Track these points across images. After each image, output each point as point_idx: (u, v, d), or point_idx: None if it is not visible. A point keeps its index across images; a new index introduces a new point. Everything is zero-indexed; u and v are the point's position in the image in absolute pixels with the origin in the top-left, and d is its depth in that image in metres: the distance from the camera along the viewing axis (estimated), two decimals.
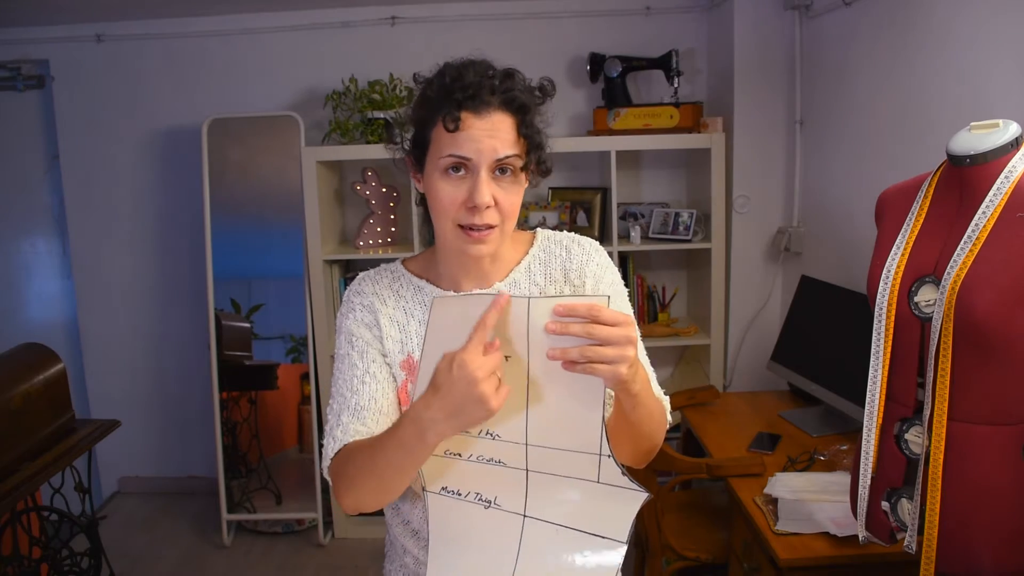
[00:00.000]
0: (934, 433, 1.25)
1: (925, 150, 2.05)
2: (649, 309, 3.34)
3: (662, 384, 1.14)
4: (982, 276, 1.19)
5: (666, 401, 1.12)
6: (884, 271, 1.34)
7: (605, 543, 0.98)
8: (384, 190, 3.22)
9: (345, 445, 1.03)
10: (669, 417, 1.12)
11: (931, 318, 1.26)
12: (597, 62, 3.17)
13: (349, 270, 3.39)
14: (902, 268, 1.32)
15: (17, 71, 3.48)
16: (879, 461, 1.38)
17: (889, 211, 1.44)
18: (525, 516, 1.00)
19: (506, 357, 0.92)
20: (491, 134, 0.99)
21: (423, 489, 1.03)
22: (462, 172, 1.00)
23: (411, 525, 1.15)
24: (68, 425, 2.45)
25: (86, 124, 3.45)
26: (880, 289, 1.34)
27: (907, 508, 1.33)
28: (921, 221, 1.35)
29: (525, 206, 2.63)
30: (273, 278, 3.30)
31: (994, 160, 1.24)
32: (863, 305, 1.74)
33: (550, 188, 3.29)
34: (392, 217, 3.24)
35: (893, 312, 1.32)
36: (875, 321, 1.35)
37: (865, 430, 1.38)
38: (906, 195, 1.41)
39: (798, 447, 2.29)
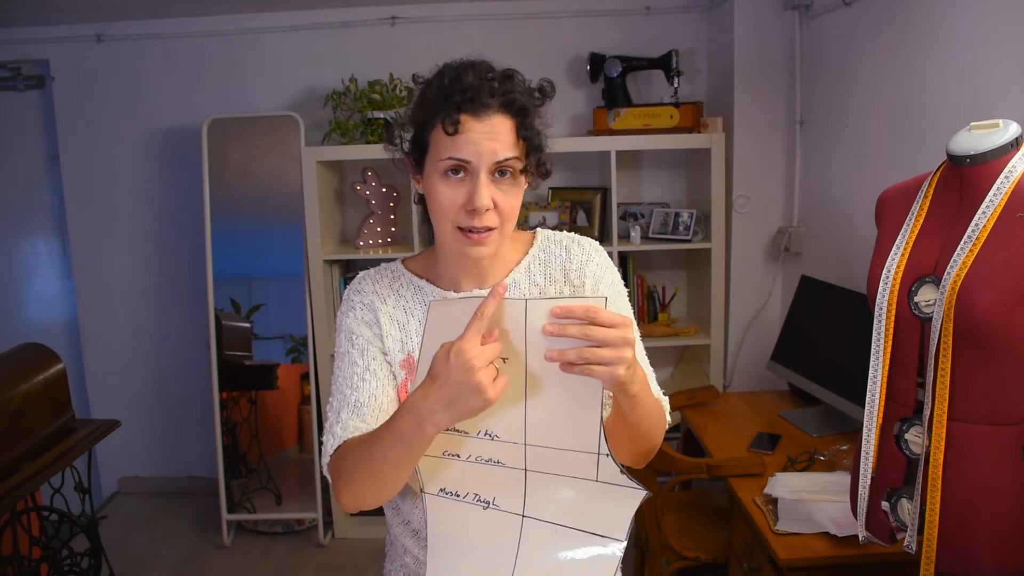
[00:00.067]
0: (934, 433, 1.25)
1: (925, 150, 2.05)
2: (649, 309, 3.34)
3: (662, 384, 1.14)
4: (982, 276, 1.19)
5: (665, 401, 1.12)
6: (884, 271, 1.34)
7: (604, 541, 0.98)
8: (384, 190, 3.22)
9: (344, 441, 1.03)
10: (668, 417, 1.12)
11: (931, 318, 1.26)
12: (597, 62, 3.17)
13: (349, 270, 3.39)
14: (902, 268, 1.32)
15: (17, 71, 3.48)
16: (879, 461, 1.38)
17: (889, 211, 1.44)
18: (524, 516, 1.00)
19: (504, 359, 0.92)
20: (490, 137, 0.98)
21: (421, 491, 1.03)
22: (461, 174, 1.00)
23: (411, 525, 1.15)
24: (68, 425, 2.45)
25: (86, 124, 3.45)
26: (880, 289, 1.34)
27: (907, 508, 1.33)
28: (921, 221, 1.35)
29: (525, 206, 2.64)
30: (273, 278, 3.30)
31: (994, 160, 1.24)
32: (863, 305, 1.74)
33: (550, 188, 3.29)
34: (392, 217, 3.24)
35: (893, 312, 1.32)
36: (875, 321, 1.35)
37: (865, 430, 1.38)
38: (906, 195, 1.41)
39: (798, 447, 2.29)
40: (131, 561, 3.12)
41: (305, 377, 3.28)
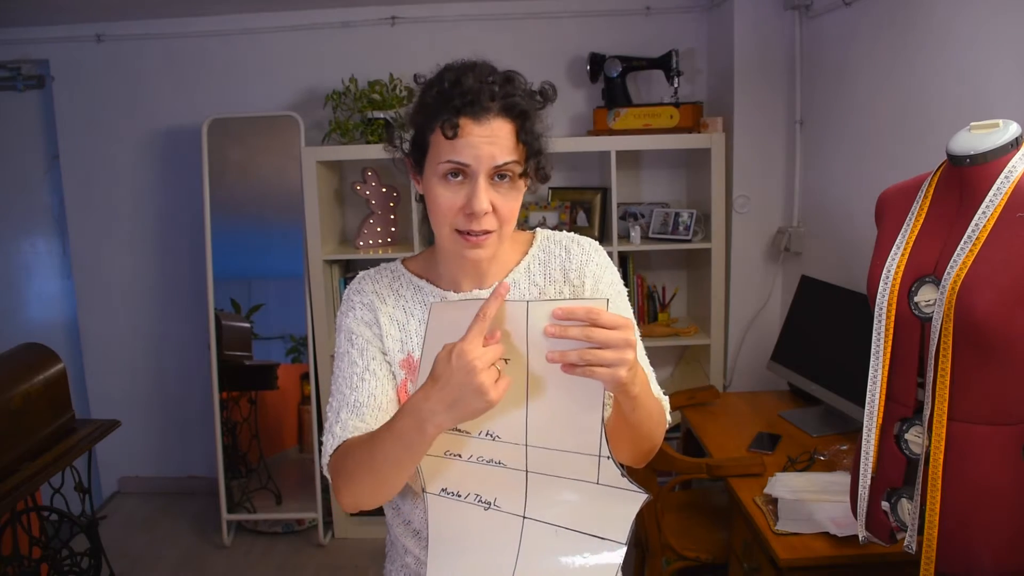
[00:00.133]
0: (934, 433, 1.25)
1: (925, 150, 2.05)
2: (649, 309, 3.34)
3: (662, 384, 1.14)
4: (982, 276, 1.19)
5: (665, 401, 1.12)
6: (884, 271, 1.34)
7: (605, 544, 0.98)
8: (384, 190, 3.22)
9: (344, 441, 1.03)
10: (668, 417, 1.12)
11: (931, 318, 1.26)
12: (597, 62, 3.17)
13: (349, 270, 3.39)
14: (902, 268, 1.32)
15: (17, 71, 3.48)
16: (879, 461, 1.38)
17: (889, 211, 1.44)
18: (525, 517, 1.00)
19: (505, 360, 0.92)
20: (490, 141, 0.98)
21: (423, 490, 1.03)
22: (460, 178, 1.00)
23: (412, 525, 1.15)
24: (68, 425, 2.45)
25: (86, 124, 3.45)
26: (880, 289, 1.34)
27: (907, 508, 1.33)
28: (921, 221, 1.35)
29: (525, 206, 2.64)
30: (273, 278, 3.30)
31: (994, 160, 1.24)
32: (863, 305, 1.74)
33: (550, 188, 3.29)
34: (392, 217, 3.24)
35: (893, 312, 1.32)
36: (875, 321, 1.35)
37: (865, 430, 1.38)
38: (906, 195, 1.41)
39: (798, 447, 2.29)
40: (131, 561, 3.12)
41: (305, 377, 3.28)
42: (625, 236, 3.21)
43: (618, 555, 0.98)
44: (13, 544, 2.22)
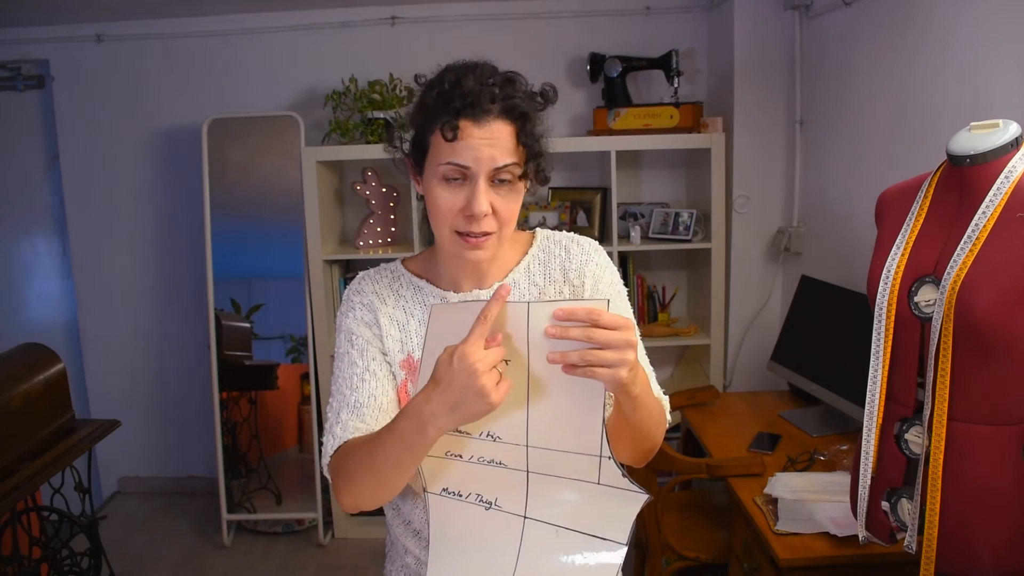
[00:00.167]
0: (934, 433, 1.25)
1: (925, 150, 2.05)
2: (649, 309, 3.34)
3: (662, 384, 1.14)
4: (982, 276, 1.19)
5: (665, 401, 1.12)
6: (884, 271, 1.34)
7: (605, 544, 0.98)
8: (384, 190, 3.22)
9: (345, 442, 1.03)
10: (668, 417, 1.12)
11: (931, 318, 1.26)
12: (597, 62, 3.17)
13: (349, 270, 3.39)
14: (902, 268, 1.32)
15: (17, 71, 3.48)
16: (879, 461, 1.38)
17: (889, 211, 1.44)
18: (525, 517, 1.00)
19: (506, 361, 0.92)
20: (490, 143, 0.98)
21: (424, 490, 1.03)
22: (460, 180, 1.00)
23: (412, 525, 1.15)
24: (68, 425, 2.45)
25: (86, 124, 3.45)
26: (880, 289, 1.34)
27: (907, 508, 1.33)
28: (921, 221, 1.35)
29: (525, 206, 2.63)
30: (273, 278, 3.30)
31: (994, 160, 1.24)
32: (863, 305, 1.74)
33: (550, 188, 3.29)
34: (392, 217, 3.24)
35: (893, 312, 1.32)
36: (875, 321, 1.35)
37: (865, 430, 1.38)
38: (906, 195, 1.41)
39: (798, 447, 2.29)
40: (131, 561, 3.12)
41: (305, 377, 3.28)
42: (625, 236, 3.21)
43: (618, 555, 0.98)
44: (13, 544, 2.22)
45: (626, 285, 1.18)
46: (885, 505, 1.37)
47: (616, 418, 0.99)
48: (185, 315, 3.56)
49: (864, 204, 2.15)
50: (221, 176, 3.20)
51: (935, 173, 1.37)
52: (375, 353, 1.10)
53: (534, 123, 1.03)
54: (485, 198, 0.99)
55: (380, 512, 1.17)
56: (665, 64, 3.09)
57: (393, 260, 1.19)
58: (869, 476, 1.39)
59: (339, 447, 1.04)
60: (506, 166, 0.99)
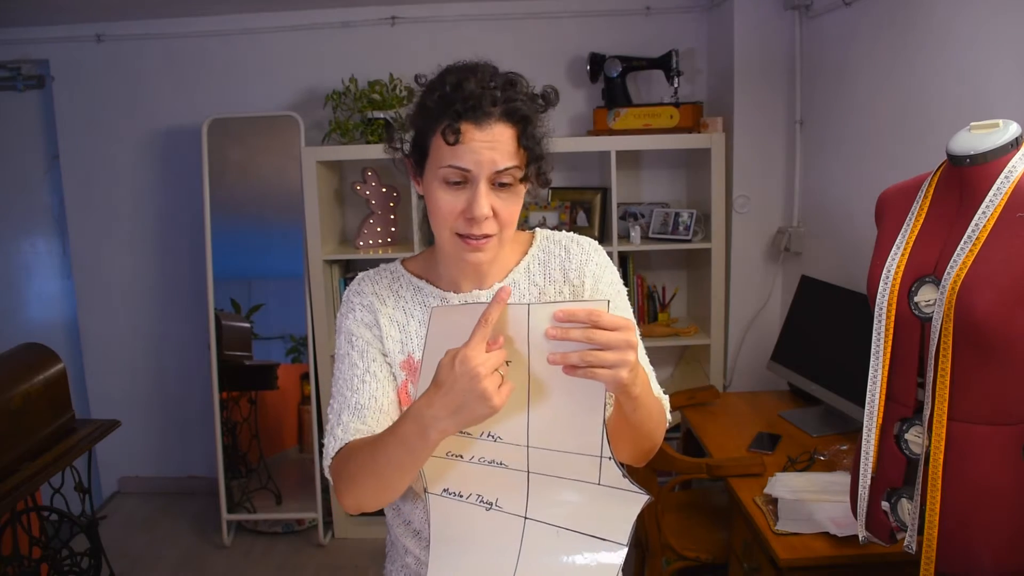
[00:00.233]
0: (934, 433, 1.25)
1: (925, 150, 2.05)
2: (649, 309, 3.34)
3: (662, 384, 1.14)
4: (982, 276, 1.19)
5: (665, 400, 1.12)
6: (884, 271, 1.34)
7: (605, 545, 0.99)
8: (384, 190, 3.22)
9: (346, 444, 1.03)
10: (669, 416, 1.12)
11: (931, 318, 1.26)
12: (597, 62, 3.17)
13: (349, 270, 3.39)
14: (902, 268, 1.32)
15: (17, 71, 3.48)
16: (879, 461, 1.38)
17: (889, 211, 1.44)
18: (526, 518, 1.00)
19: (507, 362, 0.92)
20: (491, 146, 0.98)
21: (424, 491, 1.03)
22: (461, 182, 1.00)
23: (412, 525, 1.15)
24: (68, 425, 2.45)
25: (86, 124, 3.45)
26: (880, 289, 1.34)
27: (907, 508, 1.33)
28: (921, 221, 1.35)
29: (525, 206, 2.63)
30: (273, 278, 3.30)
31: (994, 160, 1.24)
32: (863, 305, 1.74)
33: (550, 188, 3.29)
34: (392, 217, 3.24)
35: (893, 312, 1.32)
36: (875, 321, 1.35)
37: (865, 430, 1.38)
38: (906, 195, 1.41)
39: (798, 447, 2.29)
40: (131, 561, 3.12)
41: (305, 377, 3.28)
42: (625, 236, 3.21)
43: (619, 556, 0.98)
44: (13, 544, 2.22)
45: (626, 285, 1.18)
46: (885, 505, 1.37)
47: (616, 418, 0.99)
48: (185, 315, 3.56)
49: (864, 204, 2.15)
50: (221, 176, 3.20)
51: (935, 173, 1.37)
52: (375, 354, 1.10)
53: (535, 126, 1.02)
54: (486, 201, 0.99)
55: (380, 512, 1.17)
56: (665, 64, 3.09)
57: (393, 260, 1.19)
58: (869, 476, 1.39)
59: (340, 449, 1.04)
60: (507, 169, 0.99)
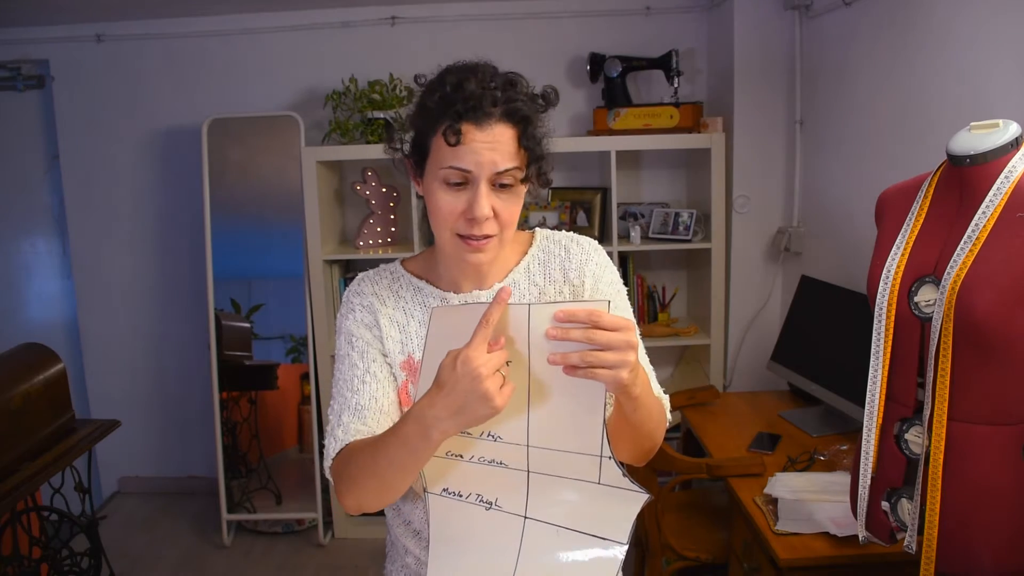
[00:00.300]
0: (934, 433, 1.25)
1: (925, 150, 2.05)
2: (649, 309, 3.34)
3: (662, 384, 1.14)
4: (982, 276, 1.19)
5: (666, 400, 1.12)
6: (884, 271, 1.34)
7: (605, 544, 0.99)
8: (384, 190, 3.22)
9: (347, 445, 1.03)
10: (669, 416, 1.12)
11: (931, 318, 1.26)
12: (597, 62, 3.17)
13: (349, 270, 3.39)
14: (902, 268, 1.32)
15: (17, 71, 3.48)
16: (879, 461, 1.38)
17: (889, 211, 1.44)
18: (526, 517, 1.00)
19: (507, 363, 0.92)
20: (491, 147, 0.98)
21: (424, 490, 1.03)
22: (462, 183, 1.00)
23: (412, 525, 1.15)
24: (68, 425, 2.45)
25: (86, 124, 3.45)
26: (880, 289, 1.34)
27: (907, 508, 1.33)
28: (921, 221, 1.35)
29: (525, 206, 2.63)
30: (273, 278, 3.30)
31: (994, 160, 1.24)
32: (863, 305, 1.74)
33: (550, 188, 3.29)
34: (392, 217, 3.24)
35: (893, 312, 1.32)
36: (875, 321, 1.35)
37: (865, 430, 1.38)
38: (906, 195, 1.41)
39: (798, 447, 2.29)
40: (131, 561, 3.12)
41: (305, 377, 3.28)
42: (625, 236, 3.21)
43: (619, 555, 0.98)
44: (13, 544, 2.22)
45: (626, 285, 1.18)
46: (885, 505, 1.37)
47: (617, 418, 0.99)
48: (185, 315, 3.56)
49: (864, 204, 2.15)
50: (221, 176, 3.20)
51: (935, 173, 1.37)
52: (375, 355, 1.10)
53: (536, 126, 1.02)
54: (487, 202, 0.99)
55: (380, 512, 1.17)
56: (665, 64, 3.09)
57: (393, 260, 1.19)
58: (869, 476, 1.39)
59: (341, 450, 1.04)
60: (508, 170, 0.99)
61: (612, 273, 1.16)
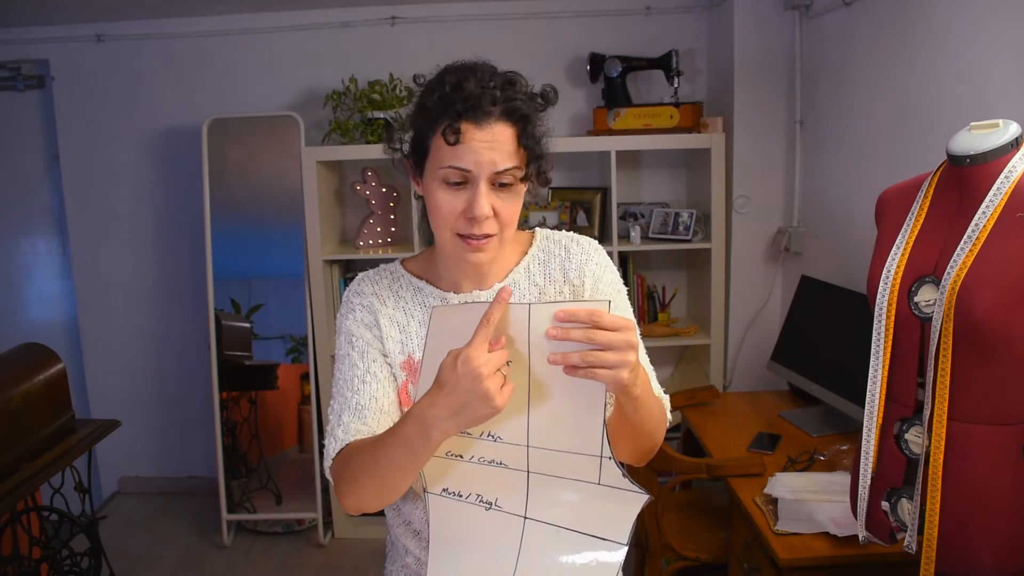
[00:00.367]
0: (934, 433, 1.25)
1: (925, 150, 2.05)
2: (649, 309, 3.34)
3: (662, 384, 1.14)
4: (982, 276, 1.19)
5: (666, 400, 1.12)
6: (884, 271, 1.34)
7: (605, 544, 0.98)
8: (384, 190, 3.22)
9: (347, 444, 1.03)
10: (669, 416, 1.12)
11: (931, 318, 1.26)
12: (597, 62, 3.17)
13: (349, 270, 3.39)
14: (902, 268, 1.32)
15: (17, 71, 3.48)
16: (879, 461, 1.38)
17: (889, 211, 1.44)
18: (526, 518, 1.00)
19: (508, 362, 0.92)
20: (491, 146, 0.98)
21: (424, 490, 1.03)
22: (461, 183, 1.00)
23: (412, 525, 1.15)
24: (68, 425, 2.45)
25: (86, 124, 3.45)
26: (880, 289, 1.34)
27: (907, 508, 1.33)
28: (921, 221, 1.35)
29: (525, 206, 2.63)
30: (273, 278, 3.30)
31: (994, 160, 1.24)
32: (863, 305, 1.74)
33: (550, 188, 3.28)
34: (392, 217, 3.24)
35: (893, 312, 1.32)
36: (875, 321, 1.35)
37: (865, 430, 1.38)
38: (906, 195, 1.41)
39: (798, 447, 2.29)
40: (131, 561, 3.12)
41: (305, 377, 3.28)
42: (625, 236, 3.21)
43: (619, 555, 0.98)
44: (13, 544, 2.22)
45: (626, 285, 1.18)
46: (885, 505, 1.37)
47: (617, 418, 0.99)
48: (185, 315, 3.56)
49: (864, 204, 2.15)
50: (221, 176, 3.20)
51: (935, 173, 1.37)
52: (375, 355, 1.10)
53: (535, 125, 1.02)
54: (486, 201, 0.99)
55: (380, 512, 1.17)
56: (665, 64, 3.09)
57: (393, 260, 1.19)
58: (869, 476, 1.39)
59: (341, 450, 1.04)
60: (507, 170, 0.99)
61: (612, 273, 1.16)
